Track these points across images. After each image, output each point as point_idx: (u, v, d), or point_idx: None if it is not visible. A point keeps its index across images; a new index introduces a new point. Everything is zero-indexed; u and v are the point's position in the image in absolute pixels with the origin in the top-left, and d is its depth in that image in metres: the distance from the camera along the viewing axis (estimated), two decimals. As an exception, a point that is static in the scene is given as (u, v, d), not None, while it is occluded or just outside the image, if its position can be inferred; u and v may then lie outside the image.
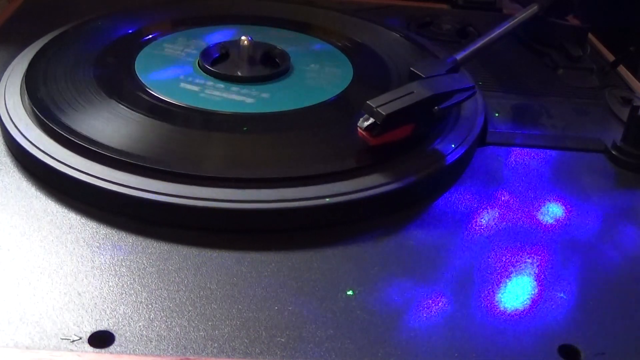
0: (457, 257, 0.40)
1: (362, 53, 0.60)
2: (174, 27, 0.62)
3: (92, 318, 0.34)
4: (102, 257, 0.38)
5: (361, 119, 0.44)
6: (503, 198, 0.46)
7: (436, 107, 0.45)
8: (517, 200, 0.46)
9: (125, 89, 0.50)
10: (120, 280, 0.36)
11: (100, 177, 0.41)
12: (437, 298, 0.37)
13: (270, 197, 0.41)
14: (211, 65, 0.54)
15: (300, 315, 0.35)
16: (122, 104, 0.48)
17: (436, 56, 0.58)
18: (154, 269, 0.37)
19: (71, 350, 0.32)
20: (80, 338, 0.33)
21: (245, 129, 0.47)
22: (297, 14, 0.66)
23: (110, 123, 0.46)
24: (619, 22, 0.77)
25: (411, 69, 0.49)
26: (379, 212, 0.43)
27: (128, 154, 0.43)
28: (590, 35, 0.70)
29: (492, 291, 0.38)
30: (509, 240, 0.42)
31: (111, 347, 0.32)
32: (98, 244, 0.39)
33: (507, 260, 0.40)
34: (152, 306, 0.35)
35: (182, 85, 0.52)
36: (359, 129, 0.44)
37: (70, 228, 0.40)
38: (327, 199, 0.41)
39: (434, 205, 0.45)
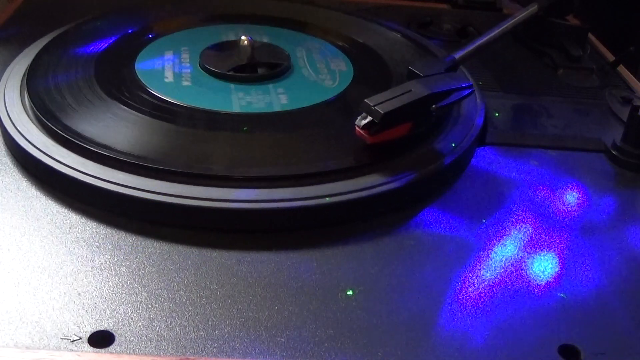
0: (457, 256, 0.40)
1: (362, 53, 0.60)
2: (174, 27, 0.62)
3: (92, 318, 0.34)
4: (102, 257, 0.38)
5: (359, 118, 0.44)
6: (503, 198, 0.46)
7: (434, 106, 0.45)
8: (517, 200, 0.46)
9: (125, 89, 0.50)
10: (120, 280, 0.36)
11: (100, 177, 0.41)
12: (437, 298, 0.37)
13: (270, 196, 0.41)
14: (211, 65, 0.54)
15: (300, 315, 0.35)
16: (122, 104, 0.48)
17: (435, 56, 0.58)
18: (154, 269, 0.37)
19: (71, 350, 0.32)
20: (80, 338, 0.33)
21: (245, 128, 0.47)
22: (297, 14, 0.66)
23: (110, 123, 0.46)
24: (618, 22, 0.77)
25: (409, 67, 0.49)
26: (379, 211, 0.43)
27: (128, 153, 0.43)
28: (590, 35, 0.70)
29: (492, 291, 0.38)
30: (508, 240, 0.42)
31: (111, 347, 0.32)
32: (98, 244, 0.39)
33: (507, 260, 0.40)
34: (152, 306, 0.35)
35: (182, 84, 0.52)
36: (356, 128, 0.44)
37: (70, 228, 0.40)
38: (327, 199, 0.41)
39: (434, 205, 0.44)
